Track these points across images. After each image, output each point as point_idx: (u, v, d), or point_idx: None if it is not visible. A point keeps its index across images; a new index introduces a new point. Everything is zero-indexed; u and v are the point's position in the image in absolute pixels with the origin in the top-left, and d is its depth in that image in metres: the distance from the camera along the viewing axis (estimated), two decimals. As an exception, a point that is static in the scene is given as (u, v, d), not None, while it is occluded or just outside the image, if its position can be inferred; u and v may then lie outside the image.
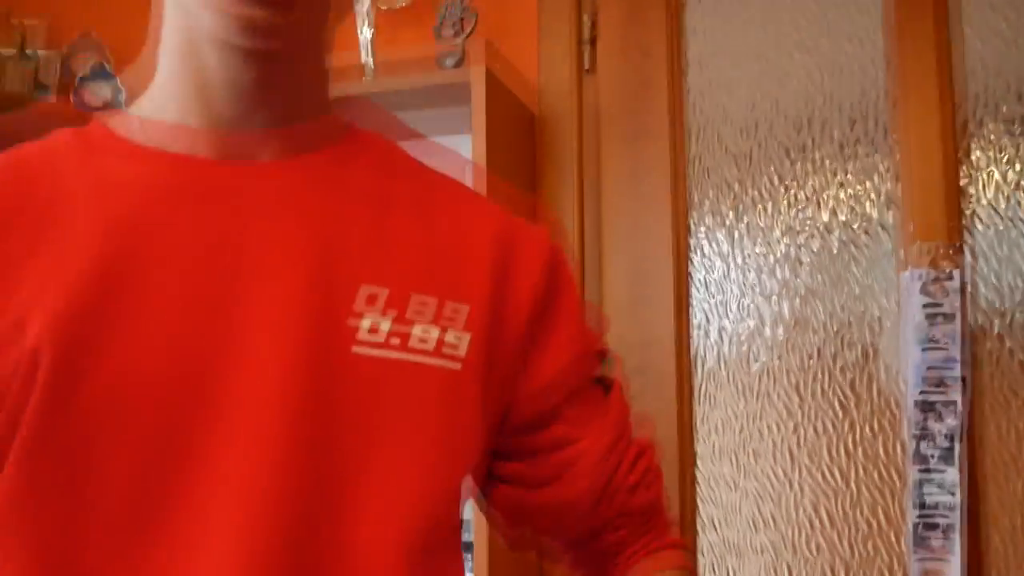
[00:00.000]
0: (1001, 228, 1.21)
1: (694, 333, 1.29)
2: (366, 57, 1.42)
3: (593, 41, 1.38)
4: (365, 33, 1.45)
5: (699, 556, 1.25)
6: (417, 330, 0.51)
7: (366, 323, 0.50)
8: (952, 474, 1.17)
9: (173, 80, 0.53)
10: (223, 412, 0.47)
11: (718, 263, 1.30)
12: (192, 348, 0.48)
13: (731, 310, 1.29)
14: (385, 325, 0.50)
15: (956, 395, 1.18)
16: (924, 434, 1.19)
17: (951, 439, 1.18)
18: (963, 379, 1.18)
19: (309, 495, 0.47)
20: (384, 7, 1.46)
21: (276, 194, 0.53)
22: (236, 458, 0.46)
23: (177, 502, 0.46)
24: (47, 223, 0.50)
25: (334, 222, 0.53)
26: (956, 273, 1.20)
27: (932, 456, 1.19)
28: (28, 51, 1.38)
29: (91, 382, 0.46)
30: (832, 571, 1.21)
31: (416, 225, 0.56)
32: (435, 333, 0.51)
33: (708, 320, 1.29)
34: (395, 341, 0.50)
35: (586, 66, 1.38)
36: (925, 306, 1.20)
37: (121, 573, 0.45)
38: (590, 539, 0.61)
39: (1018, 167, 1.22)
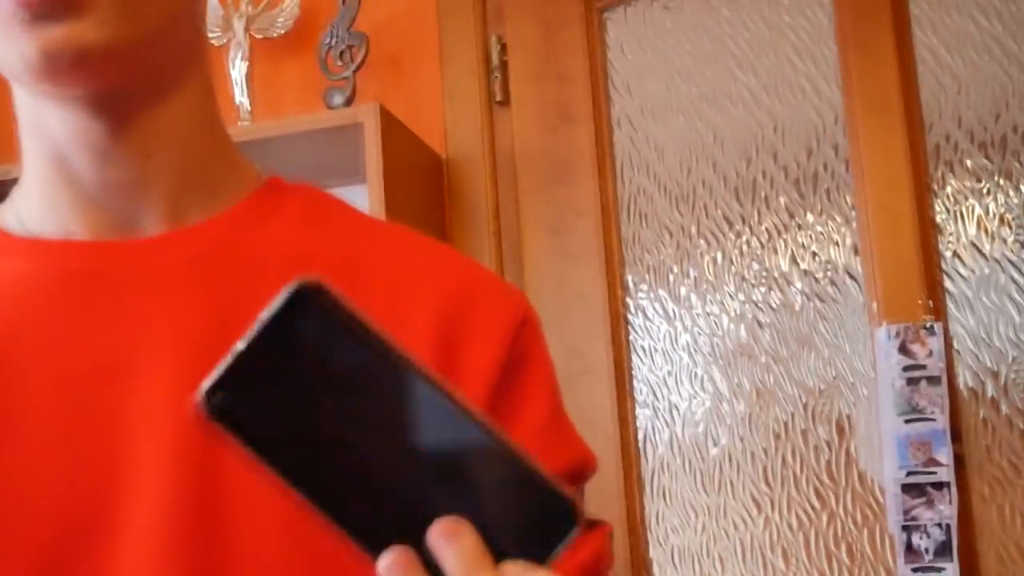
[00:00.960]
0: (987, 271, 1.07)
1: (639, 413, 1.10)
2: (240, 96, 1.31)
3: (504, 66, 1.22)
4: (239, 67, 1.29)
5: None
6: None
7: None
8: (951, 571, 1.01)
9: (36, 169, 0.50)
10: (110, 556, 0.45)
11: (663, 326, 1.13)
12: (73, 481, 0.46)
13: (681, 383, 1.10)
14: None
15: (948, 475, 1.03)
16: (914, 524, 1.04)
17: (946, 529, 1.03)
18: (956, 455, 1.02)
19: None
20: (259, 36, 1.29)
21: (168, 276, 0.50)
22: (131, 548, 0.44)
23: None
24: None
25: (236, 298, 0.48)
26: (938, 326, 1.06)
27: (926, 551, 1.04)
28: None
29: None
30: None
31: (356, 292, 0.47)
32: None
33: (656, 396, 1.11)
34: None
35: (497, 97, 1.22)
36: (905, 368, 1.07)
37: None
38: None
39: (1001, 198, 1.06)
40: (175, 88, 0.50)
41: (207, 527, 0.45)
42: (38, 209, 0.51)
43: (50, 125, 0.48)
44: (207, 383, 0.28)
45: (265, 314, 0.28)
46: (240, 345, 0.28)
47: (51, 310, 0.49)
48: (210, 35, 1.23)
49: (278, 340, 0.29)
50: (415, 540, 0.29)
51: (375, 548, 0.28)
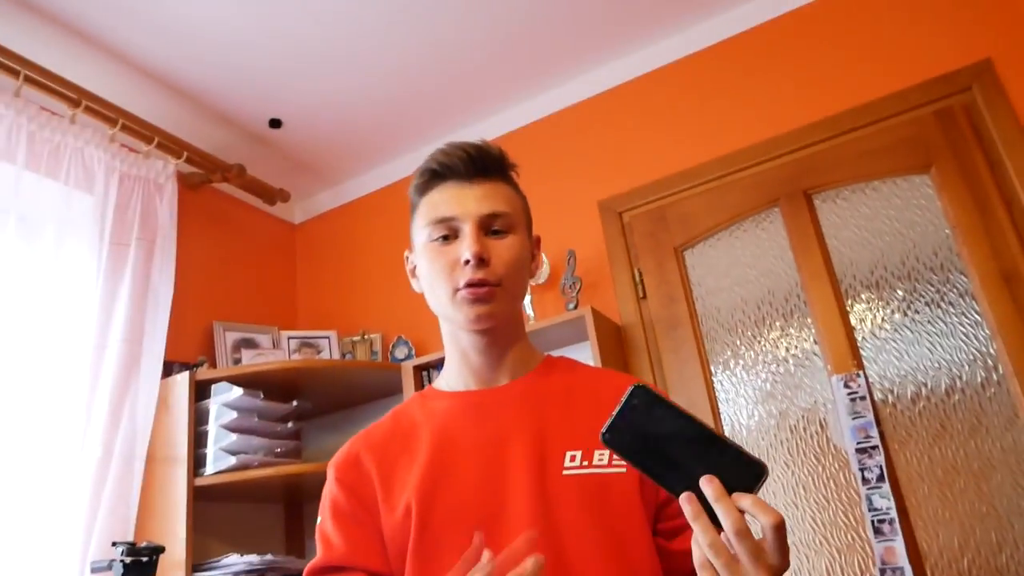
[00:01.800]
0: (879, 344, 2.15)
1: (724, 422, 2.29)
2: (529, 310, 2.63)
3: (642, 282, 2.52)
4: (526, 298, 2.67)
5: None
6: (597, 461, 0.92)
7: (568, 466, 0.93)
8: (886, 488, 2.03)
9: (453, 360, 1.04)
10: (504, 529, 0.86)
11: (731, 387, 2.32)
12: (483, 494, 0.90)
13: (744, 412, 2.28)
14: (579, 464, 0.92)
15: (877, 441, 2.08)
16: (864, 467, 2.08)
17: (880, 468, 2.05)
18: (880, 432, 2.09)
19: (551, 560, 0.84)
20: (533, 283, 2.68)
21: (510, 398, 0.99)
22: (502, 550, 0.78)
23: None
24: (410, 443, 0.99)
25: (541, 407, 0.96)
26: (860, 373, 2.13)
27: (872, 479, 2.06)
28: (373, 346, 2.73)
29: (435, 518, 0.89)
30: (830, 556, 2.07)
31: (590, 400, 0.97)
32: (606, 459, 0.92)
33: (732, 431, 2.28)
34: (585, 463, 0.91)
35: (641, 295, 2.51)
36: (848, 394, 2.14)
37: None
38: None
39: (879, 311, 2.18)
40: (512, 324, 1.02)
41: (549, 532, 0.86)
42: (454, 378, 1.02)
43: (461, 339, 1.00)
44: (604, 428, 0.67)
45: (623, 397, 0.66)
46: (615, 411, 0.64)
47: (464, 420, 0.96)
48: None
49: (629, 407, 0.65)
50: (696, 489, 0.64)
51: (679, 492, 0.63)
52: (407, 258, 1.11)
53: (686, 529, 0.90)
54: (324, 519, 1.00)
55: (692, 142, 2.53)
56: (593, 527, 0.89)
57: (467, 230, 0.97)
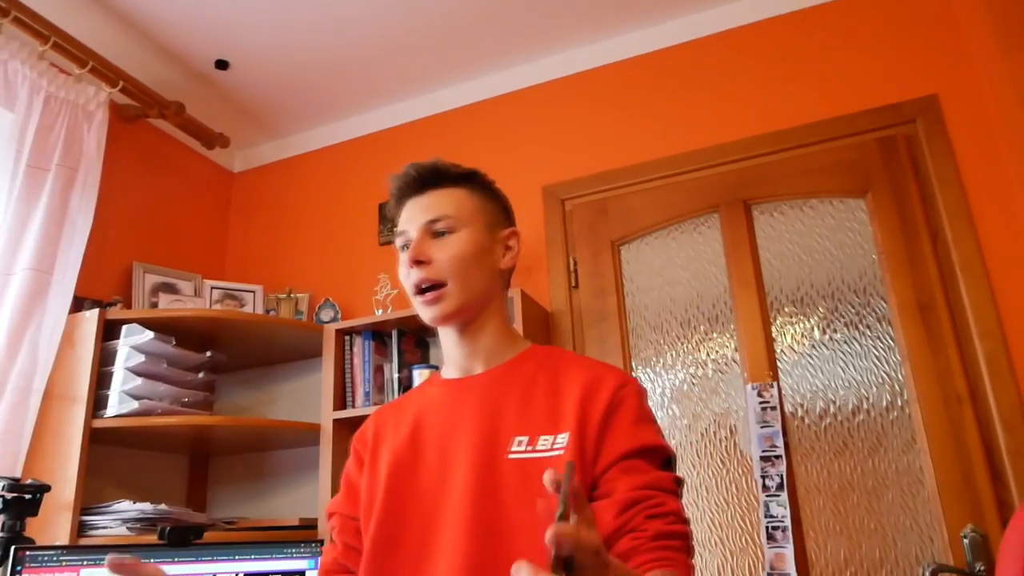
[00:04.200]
0: (796, 358, 2.21)
1: (638, 426, 2.31)
2: None
3: (576, 271, 2.52)
4: None
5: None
6: (540, 445, 0.97)
7: (514, 450, 0.99)
8: (784, 497, 2.09)
9: (444, 349, 1.14)
10: (445, 510, 0.97)
11: (648, 386, 2.34)
12: (434, 474, 1.02)
13: (658, 410, 2.31)
14: (523, 448, 0.98)
15: (781, 451, 2.13)
16: (766, 474, 2.13)
17: (781, 477, 2.11)
18: (785, 443, 2.14)
19: (483, 538, 0.93)
20: None
21: (478, 385, 1.07)
22: (444, 528, 0.96)
23: (430, 550, 0.96)
24: (401, 422, 1.11)
25: (501, 396, 1.04)
26: (774, 384, 2.18)
27: (772, 487, 2.12)
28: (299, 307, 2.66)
29: (401, 483, 1.01)
30: (725, 557, 2.12)
31: (548, 388, 1.03)
32: (549, 443, 0.97)
33: (645, 418, 2.31)
34: (529, 448, 0.97)
35: (573, 284, 2.52)
36: (760, 403, 2.19)
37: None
38: (620, 539, 0.89)
39: (799, 326, 2.23)
40: (484, 315, 1.09)
41: (486, 511, 0.94)
42: (445, 366, 1.14)
43: (445, 335, 1.11)
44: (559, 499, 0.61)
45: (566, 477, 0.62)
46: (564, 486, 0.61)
47: (437, 406, 1.09)
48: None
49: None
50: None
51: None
52: None
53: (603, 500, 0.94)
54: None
55: (642, 139, 2.54)
56: (528, 507, 0.90)
57: (412, 236, 1.07)
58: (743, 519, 2.12)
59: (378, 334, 2.47)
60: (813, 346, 2.18)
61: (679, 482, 0.98)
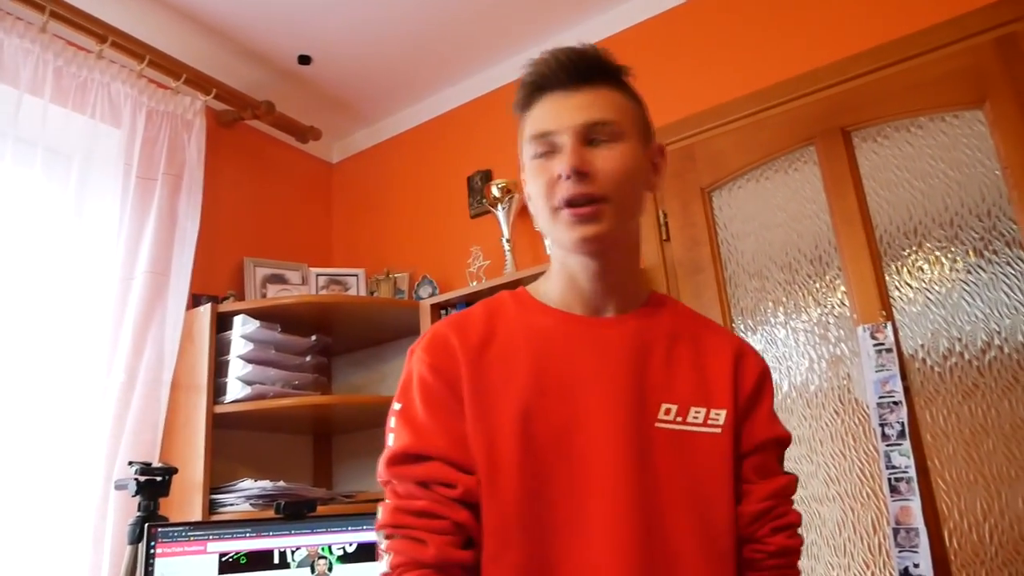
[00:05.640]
0: (912, 295, 2.00)
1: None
2: (549, 250, 2.57)
3: (666, 224, 2.42)
4: (546, 239, 2.61)
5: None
6: (691, 418, 0.91)
7: (662, 418, 0.91)
8: (906, 445, 1.89)
9: (559, 278, 0.98)
10: (592, 470, 0.86)
11: (751, 337, 2.21)
12: (568, 416, 0.88)
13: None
14: (672, 418, 0.91)
15: (900, 396, 1.94)
16: (885, 422, 1.96)
17: (902, 424, 1.91)
18: (904, 387, 1.94)
19: (644, 510, 0.86)
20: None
21: (615, 334, 0.94)
22: (597, 491, 0.85)
23: (583, 516, 0.86)
24: (509, 355, 0.92)
25: (644, 352, 0.92)
26: (889, 324, 1.99)
27: (892, 435, 1.94)
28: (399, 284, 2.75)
29: (535, 431, 0.88)
30: (844, 513, 1.98)
31: (691, 352, 0.95)
32: (701, 417, 0.91)
33: (748, 371, 2.19)
34: (679, 419, 0.90)
35: (664, 237, 2.41)
36: (874, 345, 2.00)
37: (538, 550, 0.84)
38: (743, 545, 0.90)
39: (913, 260, 2.00)
40: (626, 248, 0.95)
41: (640, 481, 0.86)
42: (557, 296, 0.96)
43: (570, 263, 0.93)
44: None
45: None
46: None
47: (568, 348, 0.92)
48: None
49: None
50: None
51: None
52: (522, 181, 1.02)
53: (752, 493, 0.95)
54: (409, 403, 0.92)
55: (725, 76, 2.38)
56: (681, 481, 0.88)
57: (566, 142, 0.90)
58: (862, 471, 1.97)
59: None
60: (931, 279, 1.98)
61: (795, 485, 0.99)
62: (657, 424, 0.89)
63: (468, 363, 0.91)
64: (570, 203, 0.88)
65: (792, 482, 0.96)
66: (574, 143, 0.89)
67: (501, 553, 0.84)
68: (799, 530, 0.95)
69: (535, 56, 0.95)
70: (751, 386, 0.95)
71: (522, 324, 0.95)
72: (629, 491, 0.86)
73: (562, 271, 0.97)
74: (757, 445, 0.93)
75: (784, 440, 0.97)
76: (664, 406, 0.90)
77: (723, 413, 0.91)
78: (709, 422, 0.90)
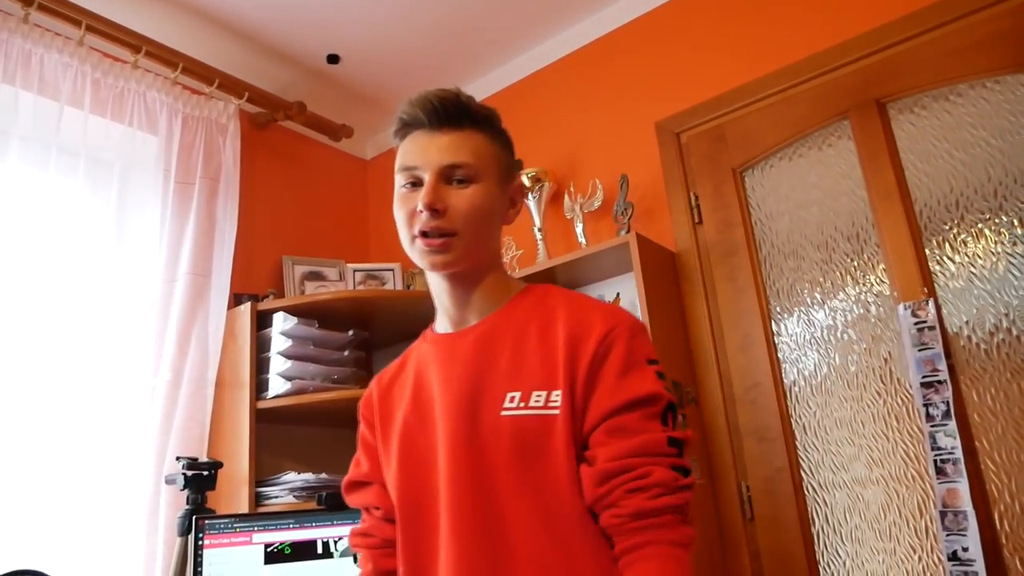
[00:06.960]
0: (954, 270, 1.92)
1: (784, 367, 2.16)
2: (581, 238, 2.53)
3: (698, 207, 2.38)
4: (577, 226, 2.59)
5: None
6: (533, 402, 0.94)
7: (507, 407, 0.96)
8: (952, 425, 1.83)
9: (435, 300, 1.09)
10: (434, 473, 0.98)
11: (787, 321, 2.17)
12: (431, 429, 1.01)
13: (802, 343, 2.13)
14: (516, 404, 0.95)
15: (945, 375, 1.86)
16: (929, 402, 1.89)
17: (947, 404, 1.84)
18: (949, 365, 1.87)
19: (479, 507, 0.92)
20: (587, 210, 2.60)
21: (468, 340, 1.03)
22: (441, 494, 0.96)
23: (439, 512, 0.97)
24: (403, 386, 1.09)
25: (492, 348, 1.00)
26: (931, 301, 1.92)
27: (937, 416, 1.87)
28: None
29: (411, 451, 1.02)
30: (889, 496, 1.93)
31: (537, 339, 0.99)
32: (542, 400, 0.94)
33: (789, 363, 2.14)
34: (522, 404, 0.94)
35: (697, 220, 2.38)
36: (916, 323, 1.94)
37: (414, 560, 0.99)
38: (602, 513, 0.90)
39: (955, 234, 1.92)
40: (480, 267, 1.04)
41: (473, 473, 0.93)
42: (438, 320, 1.09)
43: (433, 281, 1.06)
44: None
45: None
46: None
47: (433, 365, 1.04)
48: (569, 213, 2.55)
49: None
50: None
51: None
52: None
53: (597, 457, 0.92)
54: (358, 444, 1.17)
55: (753, 54, 2.33)
56: (520, 468, 0.92)
57: (427, 179, 1.00)
58: (906, 453, 1.92)
59: (504, 296, 2.49)
60: (974, 253, 1.90)
61: (678, 441, 0.91)
62: (502, 413, 0.94)
63: (379, 400, 1.12)
64: (424, 234, 0.99)
65: (656, 439, 0.89)
66: (433, 181, 0.99)
67: (400, 563, 1.02)
68: (676, 492, 0.87)
69: (412, 97, 1.05)
70: (589, 356, 0.94)
71: (416, 356, 1.11)
72: (462, 489, 0.94)
73: (434, 292, 1.09)
74: (606, 413, 0.92)
75: (645, 398, 0.91)
76: (509, 394, 0.94)
77: (559, 393, 0.92)
78: (550, 404, 0.92)
